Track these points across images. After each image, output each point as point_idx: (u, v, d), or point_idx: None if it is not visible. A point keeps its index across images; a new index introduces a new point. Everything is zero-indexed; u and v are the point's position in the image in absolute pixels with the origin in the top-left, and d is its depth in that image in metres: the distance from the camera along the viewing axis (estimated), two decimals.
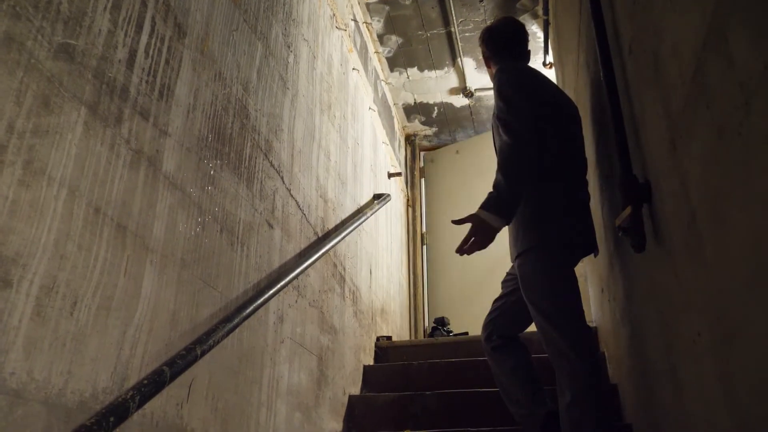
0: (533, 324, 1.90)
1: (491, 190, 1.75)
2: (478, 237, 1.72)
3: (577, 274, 1.87)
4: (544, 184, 1.85)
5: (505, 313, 2.04)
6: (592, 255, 2.02)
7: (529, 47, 2.19)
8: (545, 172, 1.84)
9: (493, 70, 2.10)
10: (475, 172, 5.02)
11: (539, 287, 1.80)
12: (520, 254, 1.86)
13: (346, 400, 2.72)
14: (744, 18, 0.70)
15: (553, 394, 1.80)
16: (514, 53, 2.08)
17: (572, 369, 1.70)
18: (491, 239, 1.73)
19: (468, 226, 1.76)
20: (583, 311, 1.81)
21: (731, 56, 0.74)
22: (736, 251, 0.80)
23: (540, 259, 1.81)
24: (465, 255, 1.76)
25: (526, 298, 1.84)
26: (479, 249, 1.75)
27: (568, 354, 1.70)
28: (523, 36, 2.14)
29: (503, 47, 2.10)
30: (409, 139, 5.57)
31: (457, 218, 1.79)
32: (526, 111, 1.80)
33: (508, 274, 2.11)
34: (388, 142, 4.54)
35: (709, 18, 0.80)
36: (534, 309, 1.81)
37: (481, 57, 3.20)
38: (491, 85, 2.21)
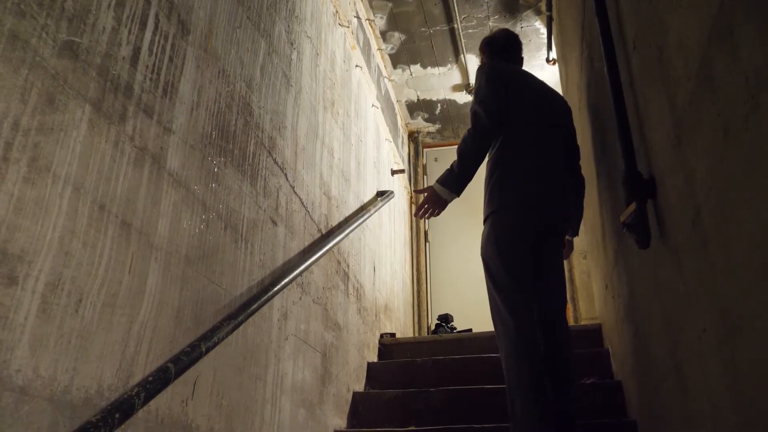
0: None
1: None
2: (430, 205, 2.05)
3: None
4: (511, 160, 2.02)
5: None
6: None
7: (531, 45, 2.28)
8: (513, 149, 2.03)
9: None
10: (480, 171, 5.00)
11: (489, 249, 1.97)
12: (484, 221, 2.05)
13: (350, 396, 2.72)
14: (750, 12, 0.70)
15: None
16: (504, 56, 2.30)
17: (507, 334, 1.85)
18: (442, 208, 2.05)
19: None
20: (527, 286, 1.90)
21: (737, 51, 0.73)
22: (741, 247, 0.79)
23: (495, 224, 1.98)
24: (423, 219, 2.09)
25: (481, 258, 2.03)
26: (432, 215, 2.07)
27: (507, 320, 1.85)
28: (513, 42, 2.35)
29: (497, 51, 2.32)
30: (413, 136, 5.56)
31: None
32: (492, 102, 2.02)
33: None
34: (391, 139, 4.54)
35: (715, 12, 0.79)
36: (485, 270, 2.00)
37: None
38: None
